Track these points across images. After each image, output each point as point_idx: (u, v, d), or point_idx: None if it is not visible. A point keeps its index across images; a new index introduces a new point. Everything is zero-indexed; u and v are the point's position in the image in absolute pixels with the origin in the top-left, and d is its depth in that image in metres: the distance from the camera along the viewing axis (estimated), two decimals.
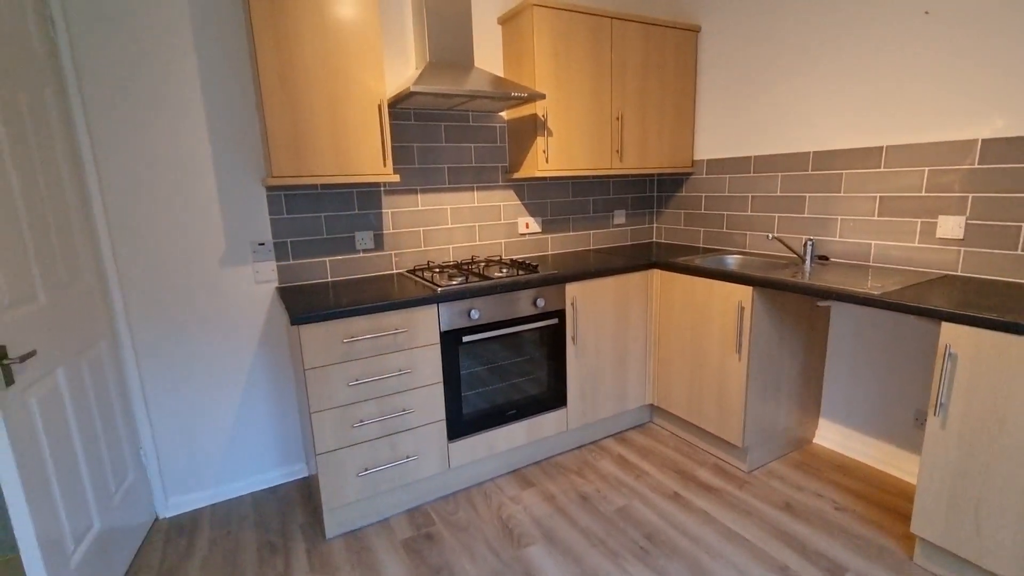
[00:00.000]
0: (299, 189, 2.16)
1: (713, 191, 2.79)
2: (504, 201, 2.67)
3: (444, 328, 1.99)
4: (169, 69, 1.88)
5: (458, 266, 2.45)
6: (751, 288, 2.03)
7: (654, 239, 3.21)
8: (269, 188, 2.10)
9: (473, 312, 2.02)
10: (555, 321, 2.24)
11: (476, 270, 2.33)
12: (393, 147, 2.33)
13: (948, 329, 1.48)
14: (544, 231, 2.83)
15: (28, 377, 1.36)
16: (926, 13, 1.87)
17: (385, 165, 2.01)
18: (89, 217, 1.81)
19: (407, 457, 1.98)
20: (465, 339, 2.02)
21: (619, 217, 3.06)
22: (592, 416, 2.44)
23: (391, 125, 2.31)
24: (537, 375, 2.26)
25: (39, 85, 1.58)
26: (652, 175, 3.11)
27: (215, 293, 2.07)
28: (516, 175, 2.54)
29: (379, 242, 2.37)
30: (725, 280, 2.13)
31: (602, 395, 2.45)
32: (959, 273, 1.90)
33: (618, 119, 2.56)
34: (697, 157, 2.85)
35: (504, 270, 2.27)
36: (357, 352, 1.83)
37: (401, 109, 2.30)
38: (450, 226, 2.54)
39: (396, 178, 2.03)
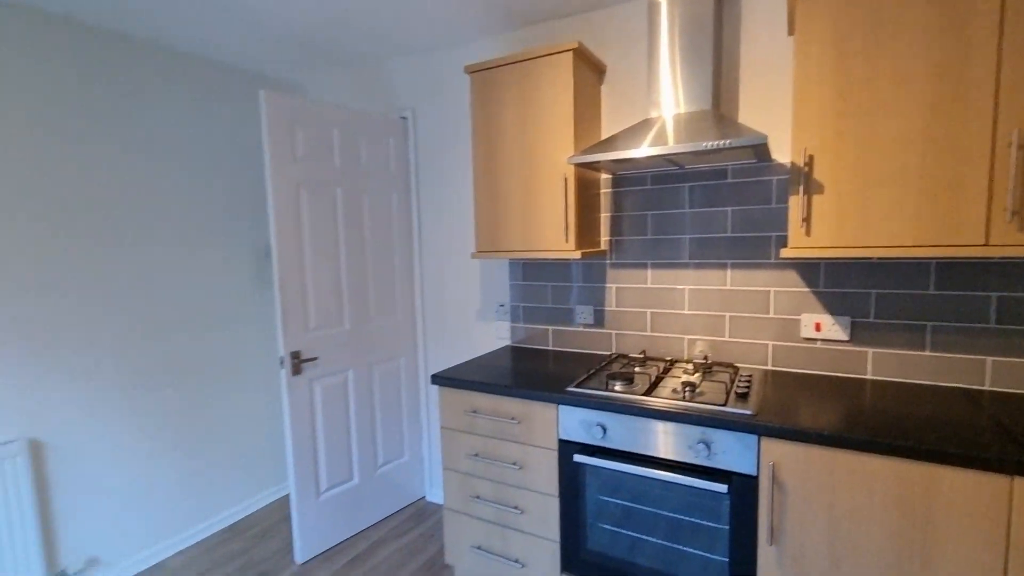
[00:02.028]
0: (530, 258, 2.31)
1: None
2: (777, 286, 1.82)
3: (563, 436, 1.67)
4: (461, 186, 2.47)
5: (643, 361, 1.92)
6: None
7: None
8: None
9: (597, 431, 1.59)
10: (723, 488, 1.40)
11: (661, 371, 1.76)
12: (619, 216, 2.07)
13: None
14: (855, 341, 1.71)
15: (312, 374, 2.24)
16: None
17: (567, 241, 1.87)
18: (411, 275, 2.65)
19: (516, 560, 1.80)
20: (577, 458, 1.61)
21: None
22: None
23: (613, 193, 2.07)
24: (703, 560, 1.48)
25: (389, 191, 2.50)
26: None
27: (471, 342, 2.53)
28: (797, 250, 1.69)
29: (599, 318, 2.17)
30: None
31: None
32: None
33: (1012, 145, 1.24)
34: None
35: (682, 383, 1.59)
36: (478, 427, 1.84)
37: (636, 173, 2.02)
38: (687, 312, 1.98)
39: (577, 254, 1.85)
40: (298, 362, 2.17)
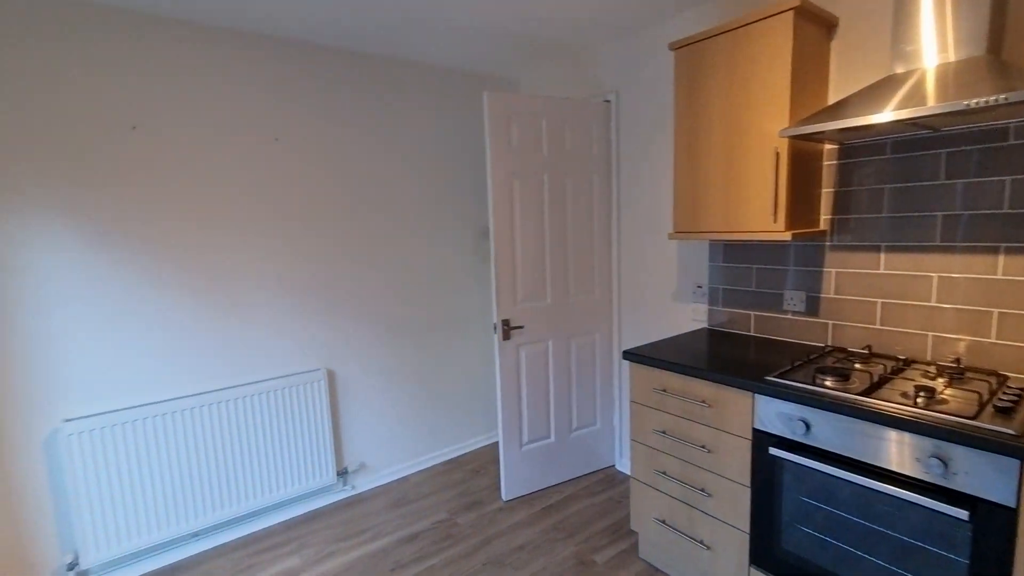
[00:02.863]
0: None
1: None
2: None
3: (758, 426, 1.60)
4: (661, 166, 2.45)
5: (867, 357, 1.65)
6: None
7: None
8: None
9: (799, 426, 1.48)
10: (963, 515, 1.18)
11: (889, 371, 1.52)
12: (845, 192, 1.82)
13: None
14: None
15: (519, 340, 2.54)
16: None
17: (776, 221, 1.75)
18: (608, 255, 2.75)
19: (701, 542, 1.81)
20: (773, 451, 1.53)
21: None
22: None
23: (839, 166, 1.82)
24: None
25: (591, 174, 2.64)
26: None
27: (664, 322, 2.54)
28: None
29: (812, 306, 1.96)
30: None
31: None
32: None
33: None
34: None
35: (916, 387, 1.35)
36: (667, 405, 1.87)
37: (872, 141, 1.75)
38: (933, 304, 1.66)
39: (786, 236, 1.72)
40: (508, 329, 2.49)
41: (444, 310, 3.01)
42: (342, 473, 2.66)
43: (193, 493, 2.18)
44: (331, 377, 2.61)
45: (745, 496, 1.66)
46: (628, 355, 1.98)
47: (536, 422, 2.64)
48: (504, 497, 2.60)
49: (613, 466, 2.92)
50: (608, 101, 2.63)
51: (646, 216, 2.55)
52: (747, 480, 1.65)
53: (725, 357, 1.85)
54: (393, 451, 2.88)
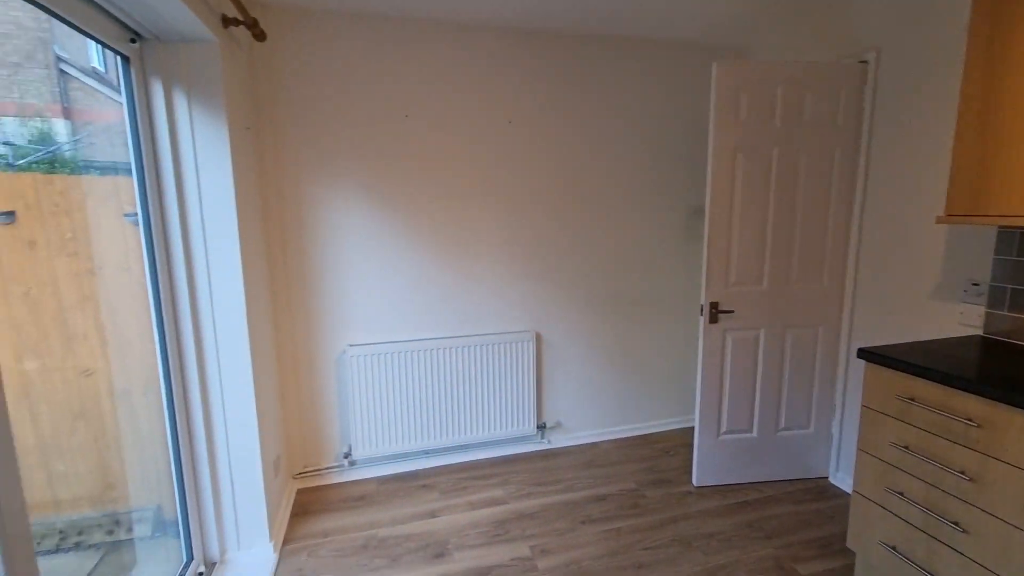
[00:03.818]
0: None
1: None
2: None
3: None
4: (929, 137, 2.03)
5: None
6: None
7: None
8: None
9: None
10: None
11: None
12: None
13: None
14: None
15: (727, 325, 2.41)
16: None
17: None
18: (845, 240, 2.41)
19: None
20: None
21: None
22: None
23: None
24: None
25: (832, 148, 2.33)
26: None
27: (916, 322, 2.14)
28: None
29: None
30: None
31: None
32: None
33: None
34: None
35: None
36: (914, 418, 1.60)
37: None
38: None
39: None
40: (715, 312, 2.39)
41: (649, 287, 3.02)
42: (541, 427, 2.93)
43: (429, 418, 2.66)
44: (538, 339, 2.87)
45: (1020, 542, 1.35)
46: (866, 354, 1.74)
47: (737, 413, 2.50)
48: (695, 482, 2.55)
49: (826, 478, 2.61)
50: (864, 62, 2.26)
51: (902, 195, 2.16)
52: None
53: (1007, 372, 1.50)
54: (586, 416, 3.04)
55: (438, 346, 2.62)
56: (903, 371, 1.63)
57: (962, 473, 1.48)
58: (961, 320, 1.97)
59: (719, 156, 2.26)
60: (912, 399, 1.61)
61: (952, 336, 1.95)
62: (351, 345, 2.52)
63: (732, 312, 2.40)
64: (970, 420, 1.45)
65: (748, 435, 2.53)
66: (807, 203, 2.36)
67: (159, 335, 1.79)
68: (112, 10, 1.43)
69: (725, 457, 2.53)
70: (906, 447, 1.63)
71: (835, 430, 2.55)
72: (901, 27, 2.11)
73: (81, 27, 1.36)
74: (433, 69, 2.49)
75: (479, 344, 2.68)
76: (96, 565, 2.06)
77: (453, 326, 2.71)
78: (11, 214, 1.78)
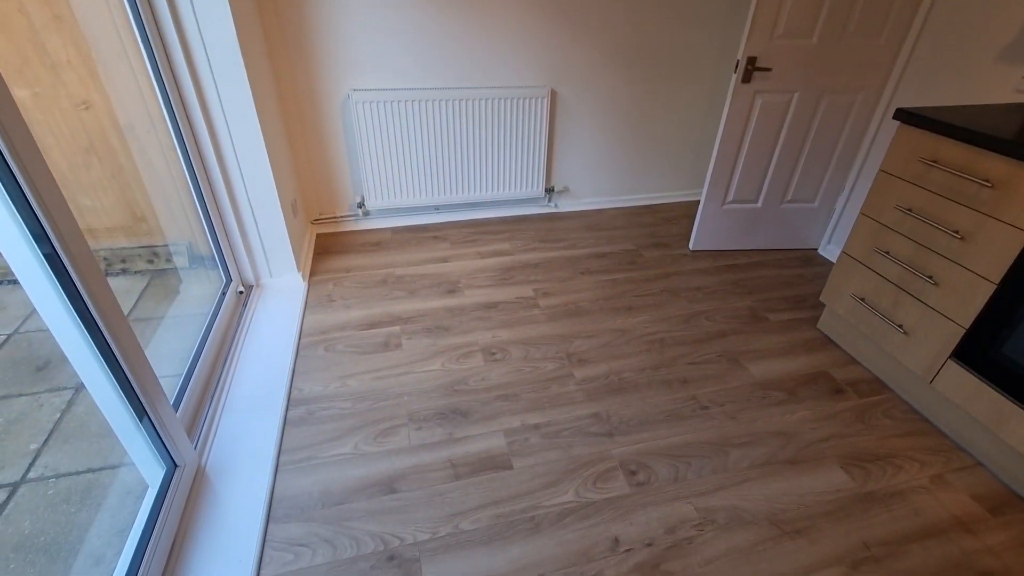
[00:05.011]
0: None
1: None
2: None
3: None
4: None
5: None
6: None
7: None
8: None
9: None
10: None
11: None
12: None
13: None
14: None
15: (759, 86, 2.23)
16: None
17: None
18: None
19: (899, 325, 1.74)
20: None
21: None
22: None
23: None
24: None
25: None
26: None
27: (970, 86, 1.95)
28: None
29: None
30: None
31: None
32: None
33: None
34: None
35: None
36: (929, 181, 1.60)
37: None
38: None
39: None
40: (751, 69, 2.18)
41: (680, 41, 2.70)
42: (549, 190, 2.96)
43: (439, 173, 2.67)
44: (553, 97, 2.69)
45: (983, 291, 1.48)
46: (904, 114, 1.64)
47: (747, 184, 2.50)
48: (691, 246, 2.70)
49: (815, 250, 2.75)
50: None
51: None
52: (996, 276, 1.44)
53: None
54: (596, 183, 3.05)
55: (448, 96, 2.47)
56: (934, 131, 1.55)
57: (955, 232, 1.53)
58: (1017, 86, 1.80)
59: None
60: (935, 161, 1.58)
61: (1006, 103, 1.81)
62: (355, 90, 2.36)
63: (769, 70, 2.19)
64: (986, 181, 1.44)
65: (752, 205, 2.58)
66: None
67: (151, 63, 1.66)
68: None
69: (726, 224, 2.62)
70: (909, 209, 1.66)
71: (839, 205, 2.59)
72: None
73: None
74: None
75: (491, 97, 2.52)
76: (146, 286, 2.32)
77: (464, 75, 2.50)
78: None
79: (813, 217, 2.64)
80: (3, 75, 0.88)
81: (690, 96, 2.89)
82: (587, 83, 2.69)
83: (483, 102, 2.52)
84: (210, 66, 1.74)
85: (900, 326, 1.73)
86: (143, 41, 1.63)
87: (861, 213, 1.84)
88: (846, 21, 2.11)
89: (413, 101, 2.43)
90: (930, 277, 1.62)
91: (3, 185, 0.88)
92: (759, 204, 2.58)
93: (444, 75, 2.47)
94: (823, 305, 2.23)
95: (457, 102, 2.49)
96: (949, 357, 1.59)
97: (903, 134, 1.66)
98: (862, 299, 1.87)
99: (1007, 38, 1.81)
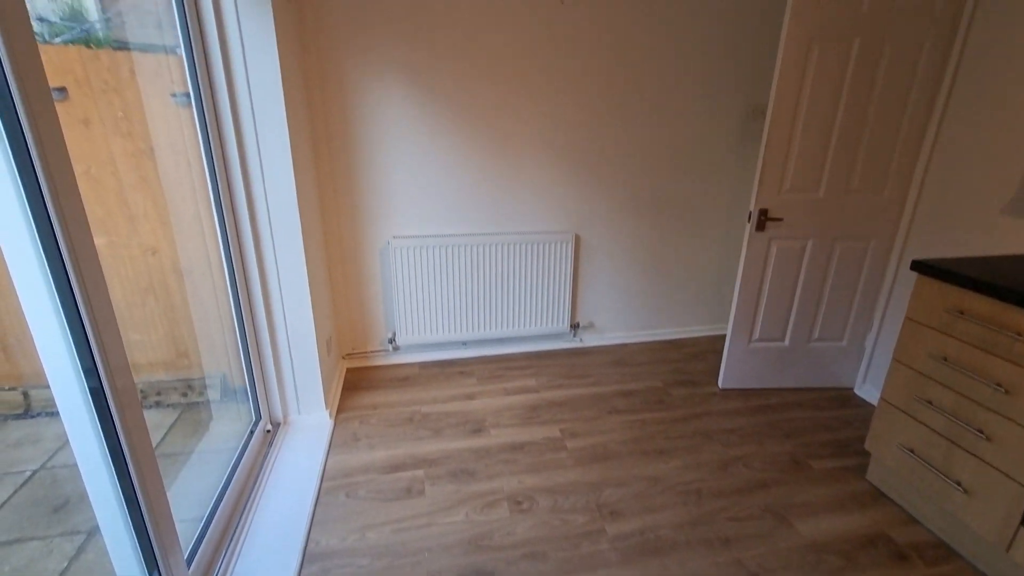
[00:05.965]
0: None
1: None
2: None
3: None
4: None
5: None
6: None
7: None
8: None
9: None
10: None
11: None
12: None
13: None
14: None
15: (773, 234, 2.35)
16: None
17: None
18: (917, 145, 2.23)
19: (957, 483, 1.62)
20: None
21: None
22: None
23: None
24: None
25: (921, 38, 2.09)
26: None
27: (981, 237, 2.03)
28: None
29: None
30: None
31: None
32: None
33: None
34: None
35: None
36: (958, 330, 1.59)
37: None
38: None
39: None
40: (764, 219, 2.32)
41: (695, 191, 2.93)
42: (574, 326, 3.03)
43: (468, 311, 2.78)
44: (577, 240, 2.87)
45: None
46: (921, 266, 1.70)
47: (771, 322, 2.52)
48: (720, 384, 2.65)
49: (851, 389, 2.67)
50: None
51: (994, 99, 1.96)
52: None
53: None
54: (619, 318, 3.12)
55: (479, 242, 2.66)
56: (956, 284, 1.59)
57: (998, 385, 1.49)
58: None
59: (791, 46, 2.06)
60: (961, 312, 1.59)
61: (1018, 253, 1.86)
62: (395, 237, 2.58)
63: (781, 220, 2.33)
64: (1019, 335, 1.44)
65: (779, 343, 2.57)
66: (882, 102, 2.17)
67: (218, 217, 1.87)
68: None
69: (753, 363, 2.60)
70: (944, 359, 1.64)
71: (869, 343, 2.56)
72: None
73: None
74: None
75: (519, 242, 2.71)
76: (176, 419, 2.35)
77: (494, 222, 2.72)
78: (63, 91, 1.80)
79: (844, 355, 2.60)
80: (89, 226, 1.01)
81: (707, 237, 3.05)
82: (609, 227, 2.88)
83: (511, 246, 2.71)
84: (270, 222, 1.95)
85: (958, 483, 1.61)
86: (215, 199, 1.85)
87: (894, 359, 1.82)
88: (848, 177, 2.28)
89: (447, 246, 2.63)
90: (980, 431, 1.54)
91: (67, 323, 0.96)
92: (786, 342, 2.57)
93: (476, 221, 2.69)
94: (869, 452, 2.10)
95: (487, 246, 2.67)
96: (1021, 524, 1.45)
97: (924, 285, 1.70)
98: (911, 451, 1.77)
99: (1009, 193, 1.92)
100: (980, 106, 2.01)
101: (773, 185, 2.26)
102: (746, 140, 2.87)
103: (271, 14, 1.72)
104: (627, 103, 2.67)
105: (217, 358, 2.40)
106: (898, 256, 2.38)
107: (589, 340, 3.11)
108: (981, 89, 2.00)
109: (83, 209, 1.01)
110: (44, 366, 0.98)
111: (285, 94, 1.83)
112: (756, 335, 2.54)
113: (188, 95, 1.77)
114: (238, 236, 1.93)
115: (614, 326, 3.13)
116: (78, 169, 1.02)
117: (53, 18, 1.68)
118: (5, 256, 0.92)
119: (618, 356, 2.98)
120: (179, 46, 1.71)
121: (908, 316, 1.76)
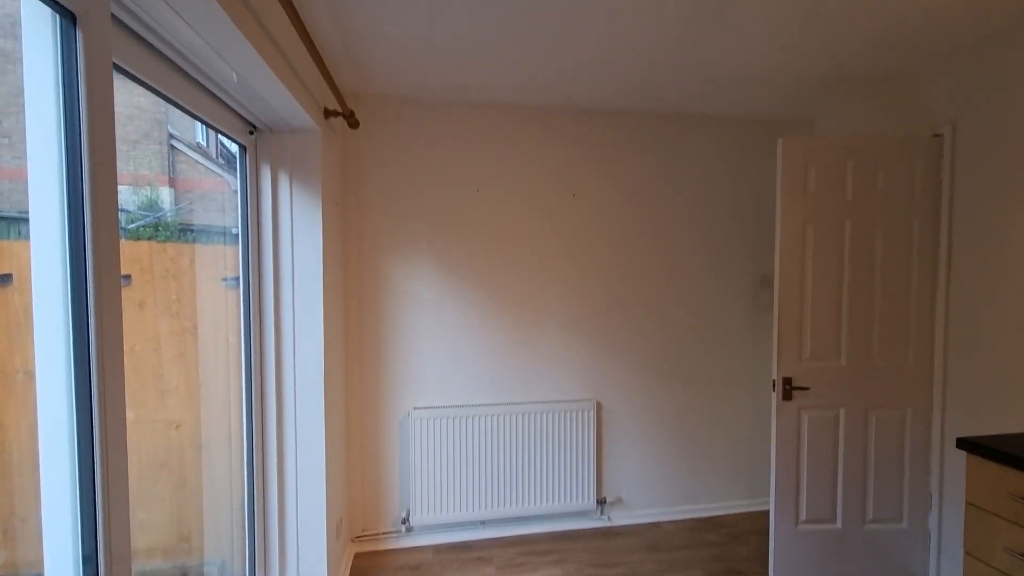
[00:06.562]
0: None
1: None
2: None
3: None
4: (1010, 214, 1.95)
5: None
6: None
7: None
8: None
9: None
10: None
11: None
12: None
13: None
14: None
15: (802, 403, 2.29)
16: None
17: None
18: (931, 314, 2.27)
19: None
20: None
21: None
22: None
23: None
24: None
25: (910, 219, 2.27)
26: None
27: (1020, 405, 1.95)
28: None
29: None
30: None
31: None
32: None
33: None
34: None
35: None
36: None
37: None
38: None
39: None
40: (789, 388, 2.28)
41: (715, 359, 2.94)
42: (601, 502, 2.81)
43: (487, 486, 2.63)
44: (599, 408, 2.82)
45: None
46: (967, 445, 1.60)
47: (818, 501, 2.31)
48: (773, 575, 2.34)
49: None
50: (939, 136, 2.22)
51: (993, 267, 2.04)
52: None
53: None
54: (649, 493, 2.90)
55: (498, 411, 2.63)
56: (1016, 467, 1.48)
57: None
58: None
59: (787, 227, 2.24)
60: None
61: None
62: (415, 408, 2.57)
63: (807, 389, 2.28)
64: None
65: (831, 526, 2.32)
66: (886, 276, 2.27)
67: (247, 394, 1.91)
68: (239, 110, 1.67)
69: (806, 550, 2.32)
70: (1020, 554, 1.45)
71: (932, 526, 2.30)
72: (973, 102, 2.08)
73: (213, 124, 1.59)
74: (503, 146, 2.67)
75: (539, 411, 2.67)
76: None
77: (514, 391, 2.72)
78: (128, 277, 2.01)
79: (908, 540, 2.32)
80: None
81: (734, 406, 2.97)
82: (631, 394, 2.85)
83: (531, 415, 2.66)
84: (295, 402, 1.98)
85: None
86: (246, 375, 1.91)
87: (966, 553, 1.61)
88: (868, 345, 2.28)
89: (467, 417, 2.60)
90: None
91: (80, 504, 0.91)
92: (838, 524, 2.32)
93: (495, 392, 2.70)
94: None
95: (507, 415, 2.64)
96: None
97: (976, 466, 1.59)
98: None
99: None
100: (981, 277, 2.08)
101: (792, 354, 2.27)
102: (761, 309, 2.97)
103: (320, 208, 1.97)
104: (641, 280, 2.84)
105: (220, 541, 2.24)
106: (940, 425, 2.26)
107: (617, 518, 2.86)
108: (978, 263, 2.10)
109: (123, 393, 1.05)
110: (44, 550, 0.93)
111: (324, 276, 2.01)
112: (803, 516, 2.31)
113: (237, 279, 1.95)
114: (262, 413, 1.95)
115: (643, 501, 2.90)
116: (125, 347, 1.07)
117: (130, 207, 1.94)
118: (40, 430, 0.93)
119: (651, 539, 2.70)
120: (237, 238, 1.94)
121: (969, 501, 1.61)
